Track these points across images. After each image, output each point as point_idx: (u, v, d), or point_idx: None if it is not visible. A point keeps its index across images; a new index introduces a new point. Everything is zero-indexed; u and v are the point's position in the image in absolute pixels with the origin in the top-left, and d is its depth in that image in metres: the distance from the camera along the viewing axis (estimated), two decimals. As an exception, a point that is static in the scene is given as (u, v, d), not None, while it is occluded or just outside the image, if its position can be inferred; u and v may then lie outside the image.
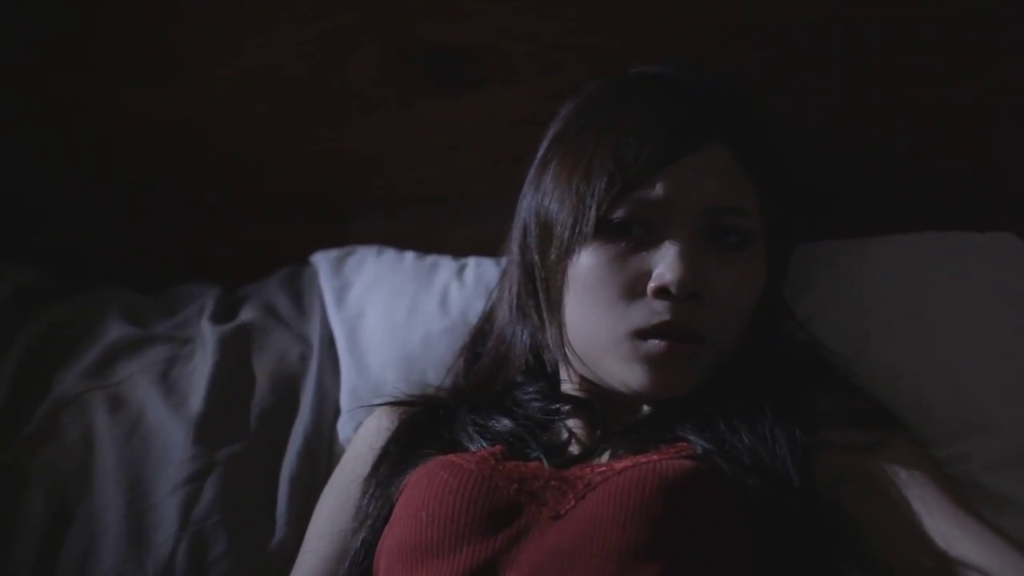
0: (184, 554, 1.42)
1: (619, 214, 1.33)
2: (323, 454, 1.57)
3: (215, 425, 1.55)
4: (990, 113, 1.63)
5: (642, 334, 1.31)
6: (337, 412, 1.62)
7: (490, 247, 1.68)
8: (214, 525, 1.45)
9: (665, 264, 1.30)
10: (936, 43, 1.61)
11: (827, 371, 1.41)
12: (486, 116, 1.74)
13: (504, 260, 1.55)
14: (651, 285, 1.30)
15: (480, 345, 1.53)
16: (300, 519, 1.46)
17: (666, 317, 1.30)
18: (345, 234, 1.80)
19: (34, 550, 1.44)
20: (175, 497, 1.47)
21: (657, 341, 1.30)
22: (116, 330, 1.71)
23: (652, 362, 1.31)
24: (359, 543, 1.31)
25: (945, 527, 1.24)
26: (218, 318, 1.71)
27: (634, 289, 1.32)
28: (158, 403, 1.58)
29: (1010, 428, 1.41)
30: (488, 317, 1.55)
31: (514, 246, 1.47)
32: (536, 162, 1.45)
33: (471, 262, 1.72)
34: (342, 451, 1.53)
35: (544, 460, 1.31)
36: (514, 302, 1.46)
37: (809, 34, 1.63)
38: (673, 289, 1.29)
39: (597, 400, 1.38)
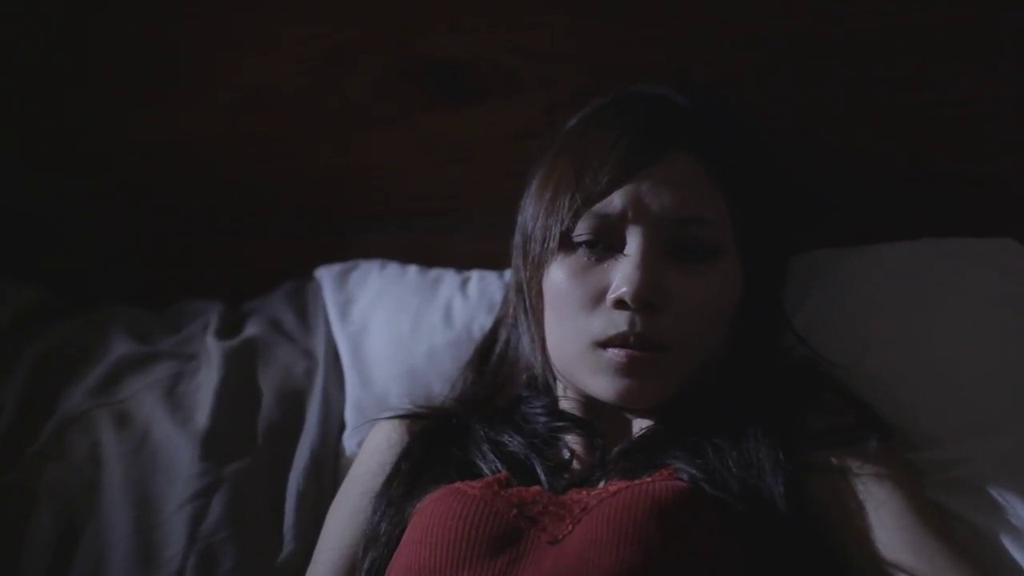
0: (192, 570, 1.42)
1: (581, 229, 1.36)
2: (329, 468, 1.57)
3: (222, 440, 1.55)
4: (990, 119, 1.63)
5: (603, 344, 1.33)
6: (343, 426, 1.62)
7: (493, 260, 1.69)
8: (222, 540, 1.45)
9: (622, 275, 1.33)
10: (935, 50, 1.61)
11: (822, 388, 1.41)
12: (486, 130, 1.74)
13: (507, 274, 1.56)
14: (609, 296, 1.33)
15: (485, 361, 1.54)
16: (308, 533, 1.46)
17: (623, 328, 1.32)
18: (348, 249, 1.81)
19: (43, 568, 1.44)
20: (183, 513, 1.47)
21: (616, 350, 1.33)
22: (121, 347, 1.71)
23: (615, 372, 1.33)
24: (367, 564, 1.32)
25: (903, 556, 1.25)
26: (223, 333, 1.72)
27: (596, 300, 1.35)
28: (164, 419, 1.58)
29: (1014, 430, 1.41)
30: (493, 332, 1.56)
31: (512, 263, 1.50)
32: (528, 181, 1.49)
33: (474, 275, 1.73)
34: (348, 464, 1.53)
35: (545, 484, 1.32)
36: (510, 318, 1.50)
37: (808, 42, 1.64)
38: (628, 299, 1.31)
39: (594, 416, 1.40)
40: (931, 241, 1.58)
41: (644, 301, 1.32)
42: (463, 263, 1.75)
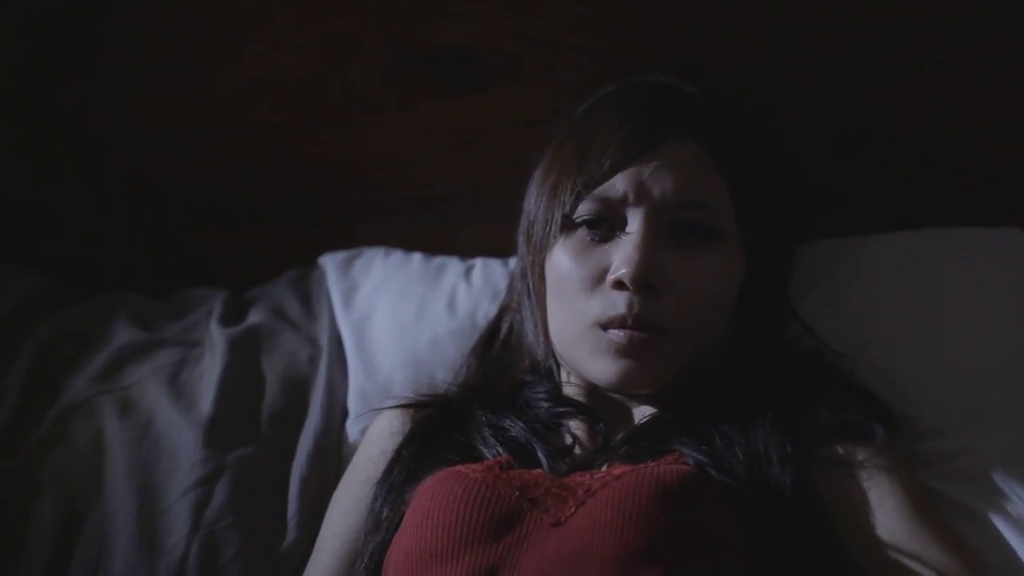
0: (196, 557, 1.42)
1: (584, 212, 1.37)
2: (333, 455, 1.56)
3: (225, 428, 1.55)
4: (994, 109, 1.63)
5: (603, 325, 1.34)
6: (346, 413, 1.62)
7: (497, 248, 1.69)
8: (226, 527, 1.44)
9: (622, 257, 1.34)
10: (939, 40, 1.61)
11: (829, 380, 1.42)
12: (490, 117, 1.74)
13: (512, 261, 1.57)
14: (609, 277, 1.34)
15: (489, 348, 1.54)
16: (311, 520, 1.46)
17: (622, 310, 1.33)
18: (351, 237, 1.81)
19: (46, 555, 1.44)
20: (186, 500, 1.46)
21: (617, 331, 1.33)
22: (124, 334, 1.71)
23: (615, 352, 1.34)
24: (370, 549, 1.32)
25: (902, 545, 1.25)
26: (227, 321, 1.72)
27: (596, 282, 1.36)
28: (168, 406, 1.58)
29: (1019, 419, 1.41)
30: (497, 319, 1.56)
31: (517, 249, 1.51)
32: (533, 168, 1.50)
33: (478, 263, 1.72)
34: (351, 452, 1.53)
35: (547, 468, 1.32)
36: (515, 305, 1.51)
37: (811, 32, 1.64)
38: (627, 281, 1.32)
39: (597, 403, 1.40)
40: (937, 231, 1.58)
41: (643, 283, 1.32)
42: (467, 251, 1.75)
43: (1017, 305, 1.50)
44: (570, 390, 1.43)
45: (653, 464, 1.25)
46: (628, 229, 1.36)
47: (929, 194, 1.66)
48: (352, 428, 1.59)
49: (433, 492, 1.26)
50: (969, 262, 1.54)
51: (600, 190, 1.36)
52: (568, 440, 1.38)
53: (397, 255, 1.77)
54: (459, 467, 1.30)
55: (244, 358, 1.64)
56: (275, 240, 1.86)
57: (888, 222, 1.60)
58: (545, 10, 1.69)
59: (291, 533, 1.47)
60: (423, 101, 1.75)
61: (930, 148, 1.66)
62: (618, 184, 1.36)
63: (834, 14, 1.63)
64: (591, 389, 1.41)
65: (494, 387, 1.47)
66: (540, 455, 1.34)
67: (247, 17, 1.76)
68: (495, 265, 1.71)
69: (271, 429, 1.57)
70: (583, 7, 1.68)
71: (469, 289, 1.68)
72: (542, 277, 1.42)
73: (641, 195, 1.35)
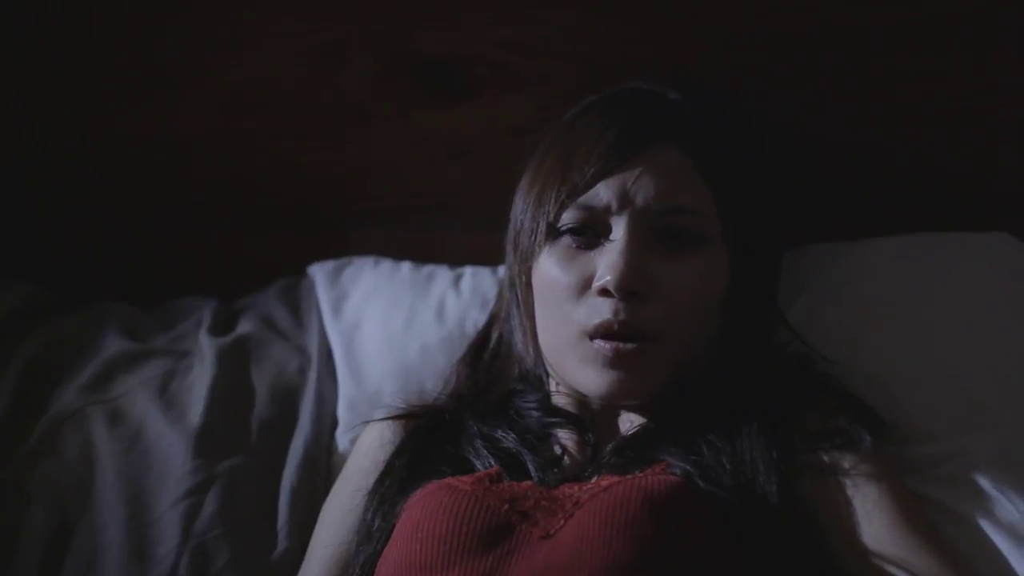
0: (186, 568, 1.41)
1: (568, 219, 1.38)
2: (323, 465, 1.56)
3: (215, 438, 1.54)
4: (985, 114, 1.63)
5: (590, 335, 1.34)
6: (336, 423, 1.62)
7: (488, 256, 1.69)
8: (216, 538, 1.44)
9: (606, 264, 1.34)
10: (931, 44, 1.62)
11: (817, 385, 1.41)
12: (481, 126, 1.74)
13: (500, 270, 1.56)
14: (595, 284, 1.34)
15: (479, 357, 1.54)
16: (301, 530, 1.46)
17: (607, 316, 1.33)
18: (342, 245, 1.81)
19: (35, 566, 1.43)
20: (176, 511, 1.46)
21: (602, 342, 1.33)
22: (114, 345, 1.71)
23: (602, 364, 1.34)
24: (360, 560, 1.32)
25: (890, 552, 1.25)
26: (216, 331, 1.72)
27: (582, 289, 1.36)
28: (157, 417, 1.58)
29: (1008, 424, 1.41)
30: (487, 328, 1.56)
31: (505, 258, 1.51)
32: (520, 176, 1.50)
33: (467, 271, 1.72)
34: (341, 462, 1.52)
35: (536, 479, 1.32)
36: (504, 314, 1.50)
37: (803, 38, 1.64)
38: (612, 288, 1.32)
39: (587, 412, 1.40)
40: (926, 235, 1.58)
41: (628, 290, 1.32)
42: (458, 259, 1.75)
43: (1006, 309, 1.50)
44: (560, 399, 1.43)
45: (640, 475, 1.25)
46: (612, 236, 1.36)
47: (918, 199, 1.65)
48: (342, 437, 1.59)
49: (424, 504, 1.26)
50: (958, 267, 1.54)
51: (584, 198, 1.37)
52: (558, 451, 1.38)
53: (386, 264, 1.77)
54: (450, 479, 1.29)
55: (233, 368, 1.64)
56: (265, 249, 1.86)
57: (877, 227, 1.60)
58: (536, 18, 1.69)
59: (281, 543, 1.46)
60: (414, 110, 1.76)
61: (919, 153, 1.66)
62: (602, 192, 1.36)
63: (828, 19, 1.63)
64: (580, 398, 1.41)
65: (484, 396, 1.47)
66: (530, 467, 1.34)
67: (238, 27, 1.76)
68: (484, 273, 1.71)
69: (261, 439, 1.57)
70: (576, 16, 1.68)
71: (458, 298, 1.68)
72: (529, 286, 1.42)
73: (625, 203, 1.36)
